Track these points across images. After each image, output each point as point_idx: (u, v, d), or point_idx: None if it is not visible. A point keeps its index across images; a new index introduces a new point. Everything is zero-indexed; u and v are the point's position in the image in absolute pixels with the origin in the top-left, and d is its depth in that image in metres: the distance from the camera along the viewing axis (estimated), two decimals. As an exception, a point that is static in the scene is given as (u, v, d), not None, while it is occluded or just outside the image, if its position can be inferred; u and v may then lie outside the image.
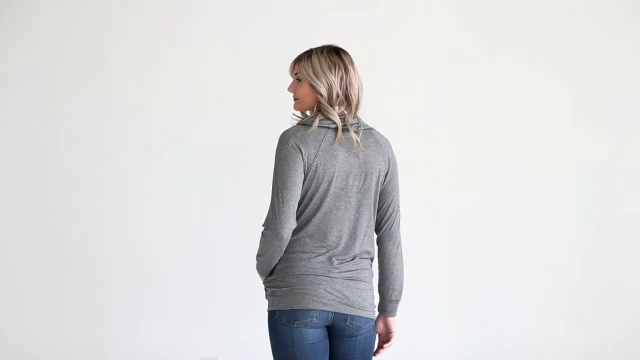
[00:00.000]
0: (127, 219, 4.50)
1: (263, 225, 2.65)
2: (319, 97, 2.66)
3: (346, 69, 2.67)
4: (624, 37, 4.53)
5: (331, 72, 2.66)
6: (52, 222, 4.50)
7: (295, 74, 2.71)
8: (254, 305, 4.44)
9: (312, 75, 2.65)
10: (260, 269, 2.73)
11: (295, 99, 2.72)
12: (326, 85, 2.65)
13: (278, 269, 2.68)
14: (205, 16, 4.51)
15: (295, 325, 2.61)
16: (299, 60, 2.70)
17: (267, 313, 2.71)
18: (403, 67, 4.51)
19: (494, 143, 4.52)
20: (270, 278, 2.71)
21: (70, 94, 4.50)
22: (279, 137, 2.64)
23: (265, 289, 2.74)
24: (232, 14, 4.51)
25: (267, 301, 2.73)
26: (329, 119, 2.65)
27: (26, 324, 4.51)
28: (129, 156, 4.50)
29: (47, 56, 4.50)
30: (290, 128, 2.66)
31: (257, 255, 2.71)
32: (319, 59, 2.66)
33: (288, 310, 2.62)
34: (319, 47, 2.70)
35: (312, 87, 2.66)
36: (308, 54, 2.69)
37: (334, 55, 2.68)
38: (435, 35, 4.52)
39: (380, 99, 4.42)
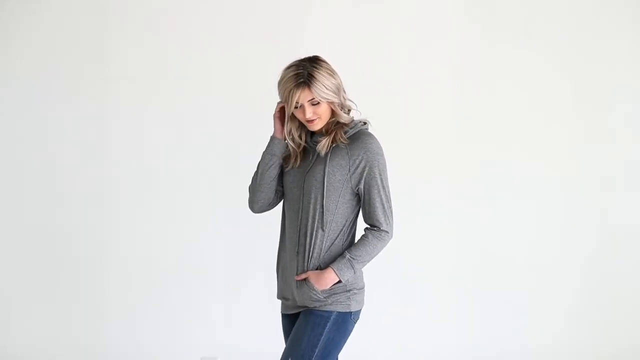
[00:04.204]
0: (127, 219, 4.50)
1: (385, 229, 2.77)
2: (336, 107, 2.75)
3: (334, 72, 2.77)
4: (625, 24, 4.50)
5: (333, 77, 2.74)
6: (52, 222, 4.50)
7: (311, 99, 2.70)
8: (255, 305, 4.45)
9: (327, 92, 2.71)
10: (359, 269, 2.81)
11: (313, 120, 2.73)
12: (337, 91, 2.75)
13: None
14: (204, 16, 4.50)
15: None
16: (306, 86, 2.68)
17: (334, 313, 2.74)
18: (402, 56, 4.49)
19: (495, 143, 4.51)
20: (351, 279, 2.78)
21: (69, 94, 4.50)
22: (377, 143, 2.76)
23: (341, 292, 2.76)
24: (231, 13, 4.50)
25: (317, 302, 2.74)
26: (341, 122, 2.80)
27: (25, 324, 4.50)
28: (129, 156, 4.50)
29: (47, 56, 4.50)
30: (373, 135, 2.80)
31: (364, 262, 2.78)
32: (320, 74, 2.70)
33: (360, 309, 2.82)
34: (309, 63, 2.72)
35: (330, 102, 2.74)
36: (309, 76, 2.68)
37: (322, 62, 2.75)
38: (435, 32, 4.52)
39: (379, 89, 4.43)
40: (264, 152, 2.84)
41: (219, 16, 4.51)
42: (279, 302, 2.98)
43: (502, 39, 4.50)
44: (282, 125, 2.82)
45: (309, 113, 2.71)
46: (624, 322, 4.50)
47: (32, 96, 4.50)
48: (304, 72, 2.69)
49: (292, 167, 2.84)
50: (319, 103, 2.71)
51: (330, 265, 2.73)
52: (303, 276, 2.74)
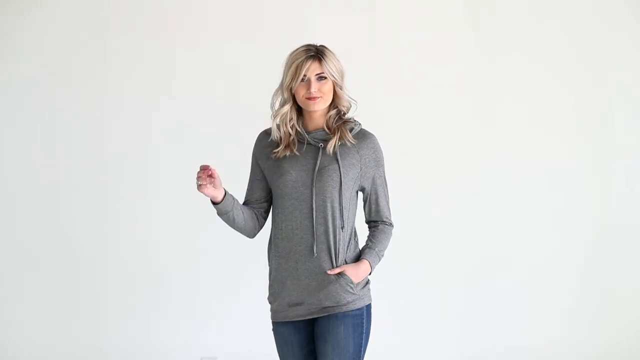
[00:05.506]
0: (127, 219, 4.51)
1: (393, 223, 2.88)
2: (339, 89, 2.78)
3: (339, 60, 2.81)
4: (625, 34, 4.52)
5: (340, 63, 2.78)
6: (52, 222, 4.50)
7: (319, 73, 2.73)
8: (254, 305, 4.45)
9: (335, 71, 2.75)
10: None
11: (317, 97, 2.73)
12: (342, 76, 2.79)
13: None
14: (205, 17, 4.51)
15: None
16: (317, 59, 2.72)
17: (364, 308, 2.77)
18: (402, 66, 4.51)
19: (494, 143, 4.52)
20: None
21: (69, 94, 4.51)
22: (377, 140, 2.81)
23: (364, 285, 2.81)
24: (232, 14, 4.51)
25: (350, 297, 2.75)
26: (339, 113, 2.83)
27: (25, 324, 4.51)
28: (130, 156, 4.50)
29: (47, 57, 4.51)
30: None
31: (384, 255, 2.85)
32: (330, 53, 2.76)
33: None
34: (318, 46, 2.78)
35: (335, 82, 2.76)
36: (321, 53, 2.74)
37: (329, 50, 2.80)
38: (435, 34, 4.53)
39: (379, 97, 4.43)
40: (217, 214, 2.81)
41: (220, 19, 4.51)
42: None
43: (502, 42, 4.51)
44: (215, 189, 2.70)
45: (314, 88, 2.71)
46: (622, 322, 4.50)
47: (33, 97, 4.50)
48: (315, 48, 2.75)
49: (280, 156, 2.79)
50: (325, 79, 2.73)
51: (365, 258, 2.78)
52: (337, 270, 2.72)
